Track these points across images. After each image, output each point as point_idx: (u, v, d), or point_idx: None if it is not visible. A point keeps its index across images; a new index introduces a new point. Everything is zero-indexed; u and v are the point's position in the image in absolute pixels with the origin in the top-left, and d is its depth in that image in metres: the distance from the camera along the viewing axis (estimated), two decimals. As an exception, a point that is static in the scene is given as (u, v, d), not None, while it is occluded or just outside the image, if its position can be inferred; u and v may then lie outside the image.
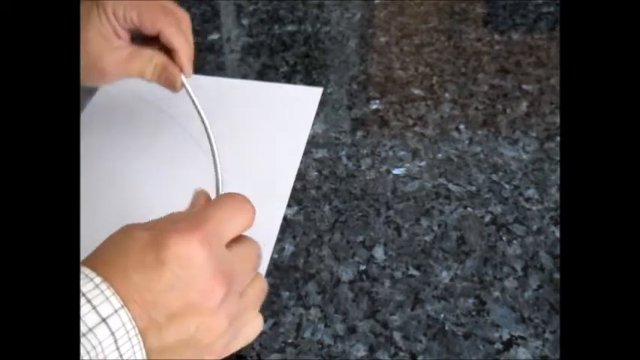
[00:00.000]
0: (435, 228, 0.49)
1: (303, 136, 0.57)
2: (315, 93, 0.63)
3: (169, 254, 0.32)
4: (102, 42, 0.47)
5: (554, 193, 0.52)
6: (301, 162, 0.54)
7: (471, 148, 0.56)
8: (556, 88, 0.64)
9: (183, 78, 0.51)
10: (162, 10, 0.49)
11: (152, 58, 0.50)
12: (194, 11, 0.77)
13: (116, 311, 0.30)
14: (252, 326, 0.37)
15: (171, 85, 0.51)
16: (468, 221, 0.49)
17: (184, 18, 0.51)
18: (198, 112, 0.50)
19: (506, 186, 0.52)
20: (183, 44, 0.50)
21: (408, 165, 0.54)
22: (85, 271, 0.31)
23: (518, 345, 0.41)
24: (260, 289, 0.38)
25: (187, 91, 0.51)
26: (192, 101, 0.50)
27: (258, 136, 0.57)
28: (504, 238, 0.48)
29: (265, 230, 0.48)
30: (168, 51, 0.50)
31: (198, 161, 0.55)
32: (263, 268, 0.45)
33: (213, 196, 0.44)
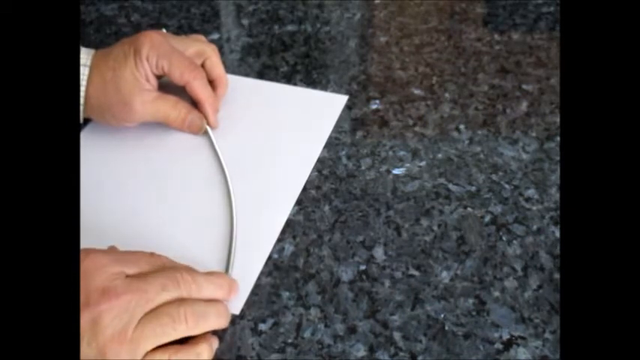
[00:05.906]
0: (435, 228, 0.49)
1: (320, 143, 0.56)
2: (339, 100, 0.61)
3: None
4: (133, 82, 0.52)
5: (554, 193, 0.52)
6: (301, 162, 0.54)
7: (471, 148, 0.56)
8: (556, 88, 0.64)
9: (207, 126, 0.56)
10: (190, 64, 0.54)
11: (177, 104, 0.55)
12: (194, 11, 0.77)
13: None
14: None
15: (195, 129, 0.56)
16: (467, 221, 0.49)
17: (213, 49, 0.57)
18: (220, 162, 0.54)
19: (506, 186, 0.52)
20: (209, 97, 0.55)
21: (408, 165, 0.54)
22: None
23: (518, 345, 0.41)
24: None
25: (211, 140, 0.56)
26: (215, 150, 0.54)
27: (275, 138, 0.57)
28: (504, 238, 0.48)
29: (265, 232, 0.48)
30: (193, 102, 0.56)
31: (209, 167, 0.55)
32: (259, 268, 0.45)
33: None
